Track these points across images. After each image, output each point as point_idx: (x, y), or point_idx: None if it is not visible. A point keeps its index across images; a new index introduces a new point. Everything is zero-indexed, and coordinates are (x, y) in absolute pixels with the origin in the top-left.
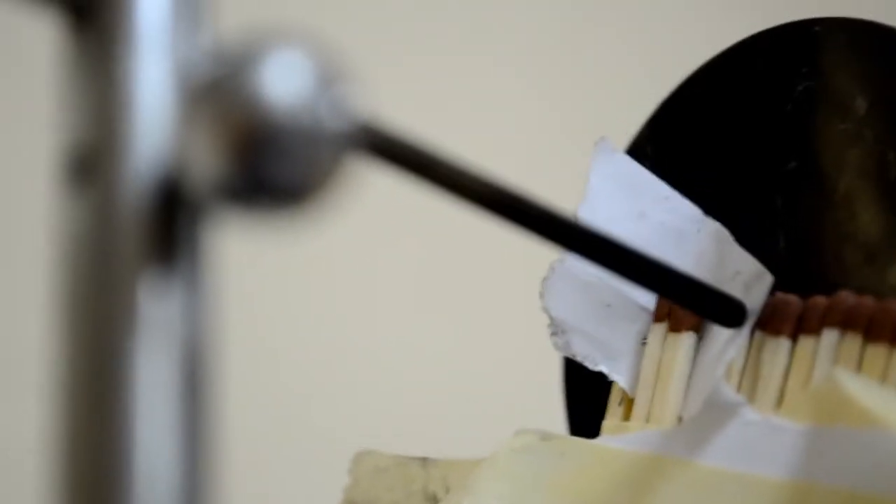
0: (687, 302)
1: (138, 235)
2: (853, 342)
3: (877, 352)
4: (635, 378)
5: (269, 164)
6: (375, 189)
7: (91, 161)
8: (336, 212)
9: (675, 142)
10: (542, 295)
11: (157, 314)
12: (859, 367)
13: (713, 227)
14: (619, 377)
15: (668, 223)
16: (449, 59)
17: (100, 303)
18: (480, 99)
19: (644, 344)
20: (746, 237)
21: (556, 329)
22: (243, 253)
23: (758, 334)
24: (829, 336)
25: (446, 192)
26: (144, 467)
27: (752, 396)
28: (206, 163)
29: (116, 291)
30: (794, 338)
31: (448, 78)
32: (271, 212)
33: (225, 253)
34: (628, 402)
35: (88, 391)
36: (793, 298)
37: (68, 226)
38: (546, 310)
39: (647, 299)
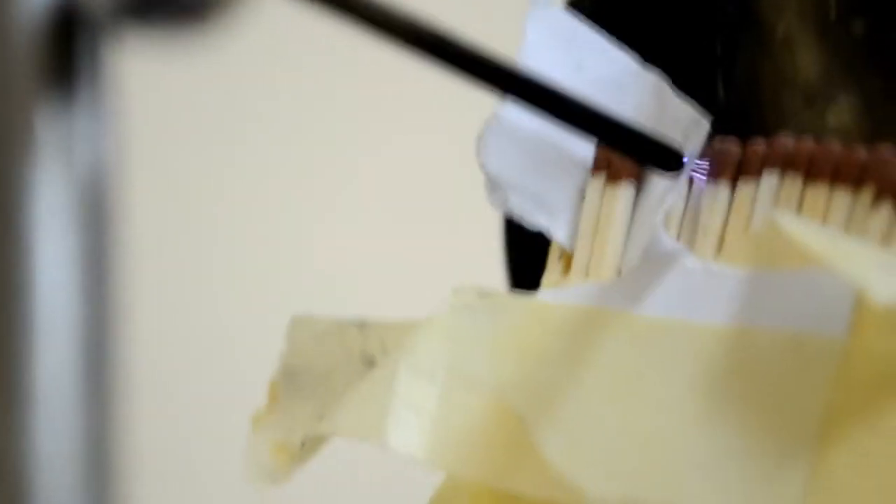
0: (624, 147)
1: (34, 58)
2: (793, 184)
3: (817, 193)
4: (575, 232)
5: None
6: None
7: None
8: (238, 32)
9: None
10: (478, 152)
11: (55, 138)
12: (800, 208)
13: (651, 78)
14: (559, 232)
15: (606, 76)
16: None
17: None
18: None
19: (584, 199)
20: (686, 86)
21: (493, 185)
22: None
23: (697, 181)
24: (769, 179)
25: (375, 31)
26: (42, 292)
27: (692, 244)
28: None
29: (13, 116)
30: (733, 184)
31: None
32: (170, 28)
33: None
34: (567, 257)
35: None
36: (732, 144)
37: None
38: (482, 167)
39: (585, 154)
